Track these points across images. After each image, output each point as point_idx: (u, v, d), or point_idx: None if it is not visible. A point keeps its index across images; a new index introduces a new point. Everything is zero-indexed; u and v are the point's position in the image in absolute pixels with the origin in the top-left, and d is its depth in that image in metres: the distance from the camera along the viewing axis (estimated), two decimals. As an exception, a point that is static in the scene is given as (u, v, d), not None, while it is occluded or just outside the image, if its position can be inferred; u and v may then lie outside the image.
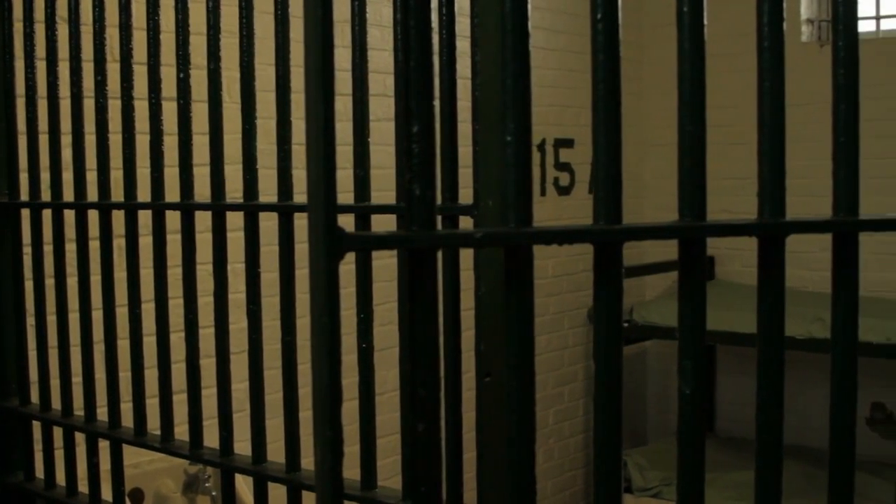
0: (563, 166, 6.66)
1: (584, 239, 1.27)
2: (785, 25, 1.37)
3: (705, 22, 1.33)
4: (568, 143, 6.66)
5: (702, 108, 1.33)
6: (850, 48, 1.41)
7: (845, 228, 1.40)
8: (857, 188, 1.42)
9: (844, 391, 1.43)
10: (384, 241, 1.16)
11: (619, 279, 1.28)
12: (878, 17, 6.75)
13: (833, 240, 1.42)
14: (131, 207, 2.49)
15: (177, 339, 2.42)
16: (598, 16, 1.25)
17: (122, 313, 2.51)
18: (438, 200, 1.97)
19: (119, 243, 2.54)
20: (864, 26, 6.79)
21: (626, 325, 6.36)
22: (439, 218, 2.02)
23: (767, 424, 1.40)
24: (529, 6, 1.23)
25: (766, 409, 1.40)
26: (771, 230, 1.36)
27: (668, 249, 5.54)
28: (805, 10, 6.79)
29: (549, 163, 6.58)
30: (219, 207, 2.34)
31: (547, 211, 6.51)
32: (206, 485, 4.20)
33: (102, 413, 2.59)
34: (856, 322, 1.43)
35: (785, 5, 1.37)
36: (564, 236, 1.26)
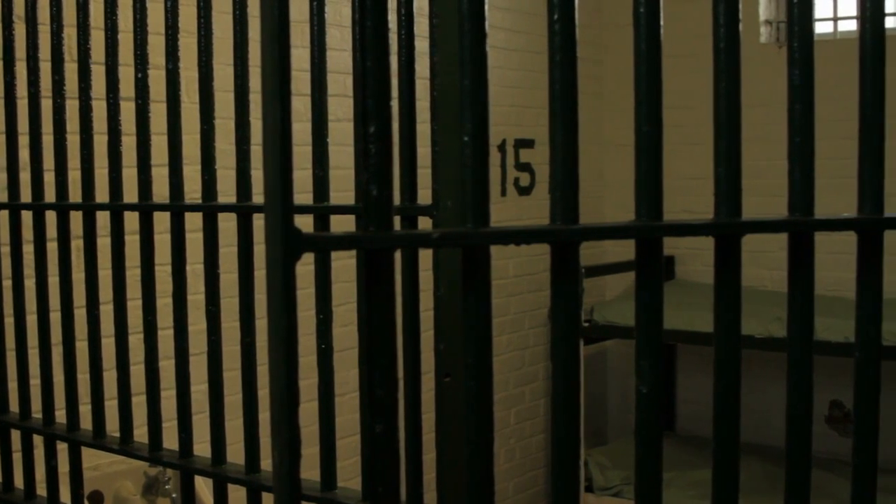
0: (523, 167, 6.67)
1: (541, 239, 1.27)
2: (744, 27, 1.38)
3: (662, 23, 1.33)
4: (528, 143, 6.67)
5: (658, 109, 1.34)
6: (805, 49, 1.42)
7: (800, 228, 1.41)
8: (813, 188, 1.43)
9: (800, 389, 1.44)
10: (341, 242, 1.16)
11: (577, 279, 1.28)
12: (835, 19, 6.80)
13: (789, 239, 1.43)
14: (89, 208, 2.47)
15: (136, 341, 2.41)
16: (555, 16, 1.25)
17: (80, 315, 2.49)
18: (397, 201, 1.98)
19: (77, 244, 2.52)
20: (822, 28, 6.84)
21: (586, 324, 6.38)
22: (398, 218, 2.02)
23: (725, 422, 1.41)
24: (487, 6, 1.23)
25: (724, 407, 1.41)
26: (727, 230, 1.37)
27: (628, 249, 5.58)
28: (764, 12, 6.83)
29: (509, 163, 6.59)
30: (177, 208, 2.33)
31: (508, 211, 6.52)
32: (166, 487, 4.18)
33: (61, 416, 2.58)
34: (811, 320, 1.44)
35: (743, 7, 1.38)
36: (521, 237, 1.26)
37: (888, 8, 6.52)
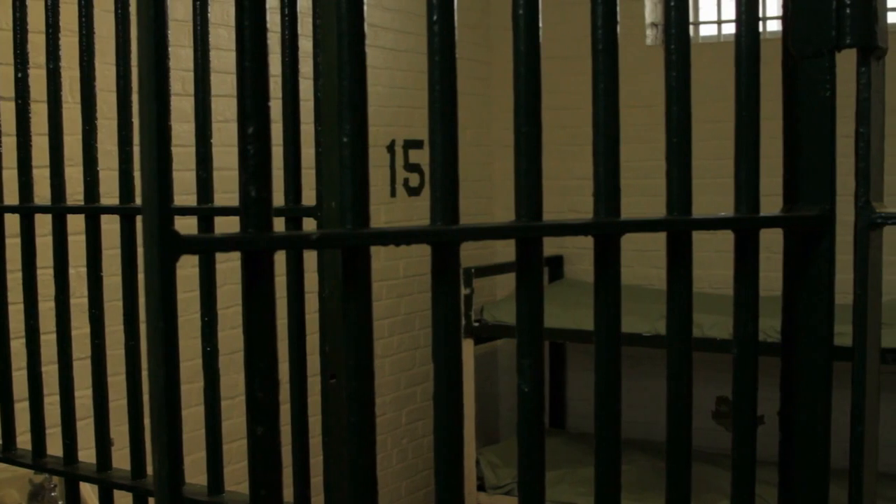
0: (412, 167, 6.67)
1: (421, 240, 1.27)
2: (630, 29, 1.40)
3: (541, 24, 1.34)
4: (417, 144, 6.67)
5: (537, 110, 1.35)
6: (681, 51, 1.45)
7: (678, 227, 1.44)
8: (690, 188, 1.46)
9: (680, 384, 1.47)
10: (219, 244, 1.16)
11: (457, 279, 1.29)
12: (719, 22, 6.92)
13: (667, 238, 1.45)
14: (-32, 211, 2.42)
15: (18, 346, 2.37)
16: (434, 17, 1.26)
17: (-41, 320, 2.44)
18: (281, 202, 1.97)
19: (-44, 248, 2.47)
20: (707, 30, 6.96)
21: (476, 324, 6.41)
22: (283, 220, 2.02)
23: (606, 418, 1.43)
24: (368, 7, 1.23)
25: (604, 403, 1.43)
26: (605, 229, 1.39)
27: (518, 249, 5.59)
28: (650, 14, 6.91)
29: (398, 164, 6.59)
30: (59, 210, 2.30)
31: (398, 212, 6.52)
32: (52, 494, 4.11)
33: (-60, 423, 2.52)
34: (690, 318, 1.46)
35: (630, 9, 1.40)
36: (401, 237, 1.26)
37: (770, 12, 6.66)
